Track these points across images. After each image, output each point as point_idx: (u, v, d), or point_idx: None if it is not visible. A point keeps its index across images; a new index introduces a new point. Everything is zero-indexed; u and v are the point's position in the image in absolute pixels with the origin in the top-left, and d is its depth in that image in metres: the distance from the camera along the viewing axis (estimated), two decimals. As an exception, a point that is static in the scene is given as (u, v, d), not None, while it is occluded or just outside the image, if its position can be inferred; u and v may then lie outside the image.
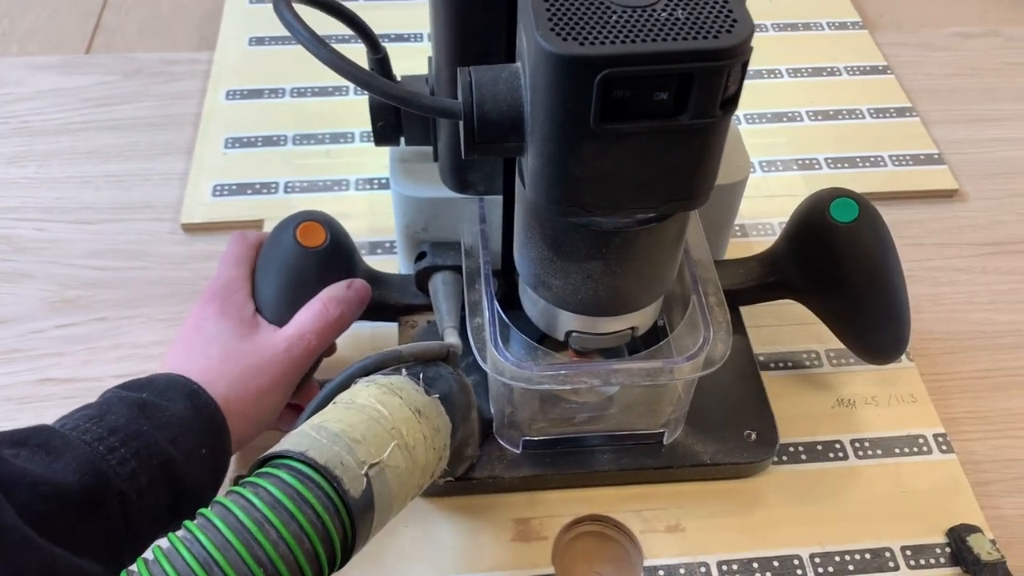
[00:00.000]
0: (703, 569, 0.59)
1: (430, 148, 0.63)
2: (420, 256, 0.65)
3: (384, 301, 0.67)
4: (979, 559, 0.58)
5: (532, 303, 0.55)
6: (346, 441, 0.45)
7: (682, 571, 0.59)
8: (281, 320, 0.58)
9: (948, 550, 0.60)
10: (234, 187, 0.82)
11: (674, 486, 0.63)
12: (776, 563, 0.59)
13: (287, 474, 0.43)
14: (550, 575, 0.59)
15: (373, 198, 0.82)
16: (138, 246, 0.78)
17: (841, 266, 0.62)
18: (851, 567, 0.59)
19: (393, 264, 0.74)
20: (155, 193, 0.83)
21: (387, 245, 0.78)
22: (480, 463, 0.62)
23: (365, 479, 0.44)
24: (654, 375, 0.55)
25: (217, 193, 0.82)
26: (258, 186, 0.83)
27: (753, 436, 0.63)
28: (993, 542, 0.60)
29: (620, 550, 0.62)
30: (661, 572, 0.59)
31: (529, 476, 0.61)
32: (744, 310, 0.71)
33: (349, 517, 0.43)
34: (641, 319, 0.55)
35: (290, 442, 0.45)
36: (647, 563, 0.59)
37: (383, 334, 0.70)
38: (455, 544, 0.60)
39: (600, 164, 0.39)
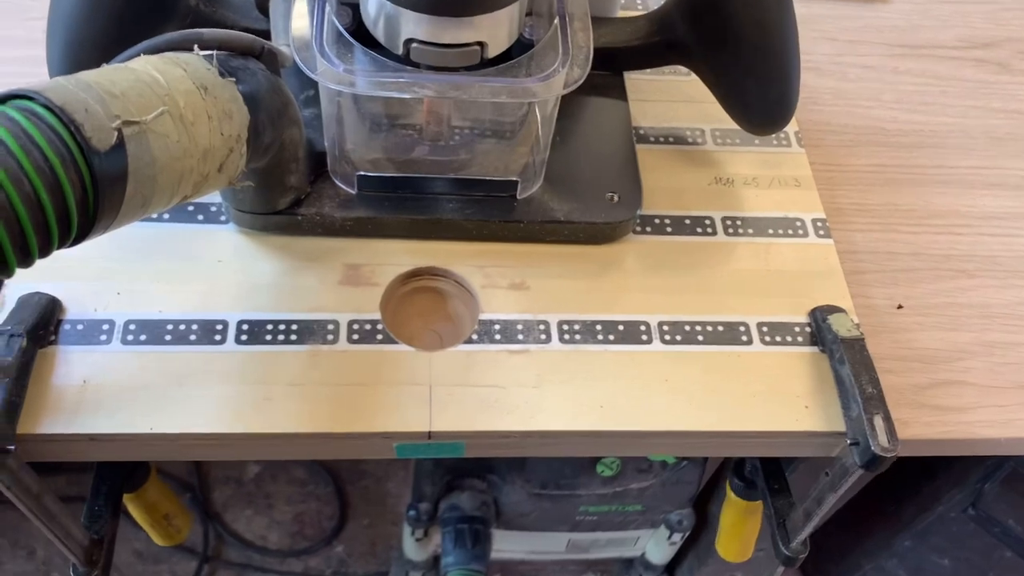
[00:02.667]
0: (542, 327, 0.54)
1: None
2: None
3: (221, 24, 0.59)
4: (837, 336, 0.54)
5: (371, 7, 0.48)
6: (99, 92, 0.38)
7: (519, 327, 0.54)
8: None
9: (808, 330, 0.56)
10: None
11: (524, 246, 0.58)
12: (621, 327, 0.55)
13: (16, 111, 0.36)
14: (376, 320, 0.53)
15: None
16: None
17: (732, 18, 0.55)
18: (700, 337, 0.55)
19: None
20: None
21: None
22: (309, 199, 0.55)
23: (116, 134, 0.37)
24: (498, 92, 0.49)
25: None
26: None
27: (615, 198, 0.58)
28: (857, 325, 0.56)
29: (458, 307, 0.57)
30: (497, 326, 0.54)
31: (363, 218, 0.55)
32: (631, 84, 0.65)
33: (91, 174, 0.37)
34: (490, 32, 0.48)
35: (32, 85, 0.37)
36: (483, 316, 0.54)
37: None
38: (275, 283, 0.54)
39: None
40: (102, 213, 0.38)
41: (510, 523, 0.99)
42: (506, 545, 1.03)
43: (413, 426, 0.50)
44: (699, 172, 0.63)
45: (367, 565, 1.31)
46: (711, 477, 0.93)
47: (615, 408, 0.51)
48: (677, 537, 1.01)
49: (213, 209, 0.57)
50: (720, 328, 0.55)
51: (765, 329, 0.56)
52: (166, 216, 0.57)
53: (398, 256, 0.56)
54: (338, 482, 1.33)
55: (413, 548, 1.00)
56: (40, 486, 0.49)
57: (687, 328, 0.55)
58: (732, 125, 0.61)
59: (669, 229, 0.60)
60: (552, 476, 0.90)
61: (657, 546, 1.04)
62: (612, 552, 1.08)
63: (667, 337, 0.55)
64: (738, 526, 0.75)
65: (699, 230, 0.60)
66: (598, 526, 1.00)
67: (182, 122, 0.40)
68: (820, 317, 0.56)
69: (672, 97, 0.67)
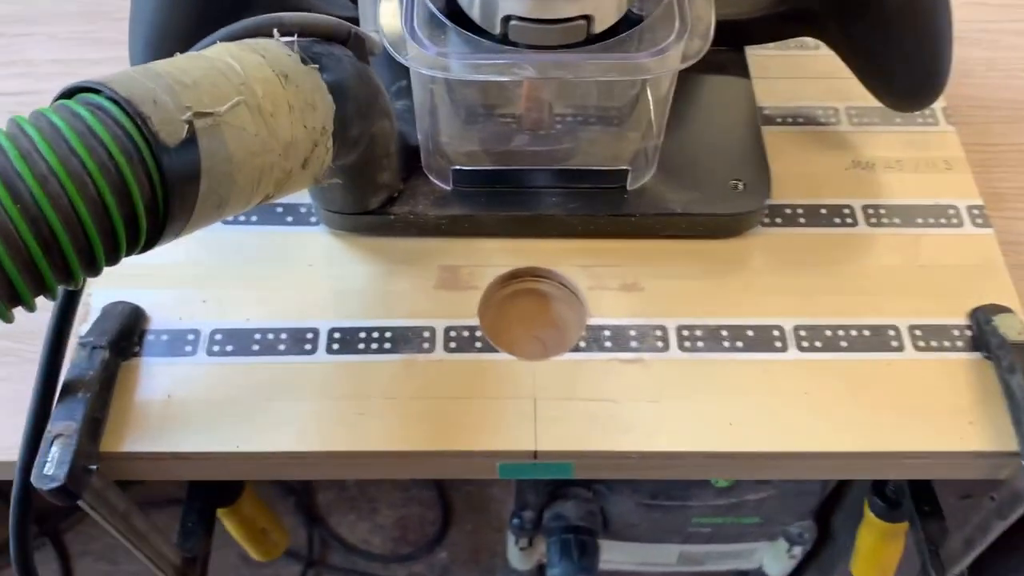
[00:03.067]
0: (658, 333, 0.48)
1: None
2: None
3: (305, 9, 0.55)
4: (1004, 340, 0.46)
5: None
6: (169, 81, 0.34)
7: (632, 333, 0.48)
8: None
9: (969, 333, 0.48)
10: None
11: (636, 242, 0.52)
12: (750, 333, 0.48)
13: (80, 106, 0.33)
14: (474, 327, 0.49)
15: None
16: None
17: (872, -20, 0.48)
18: (843, 343, 0.48)
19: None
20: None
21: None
22: (402, 198, 0.51)
23: (187, 127, 0.34)
24: (607, 69, 0.43)
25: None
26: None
27: (740, 186, 0.51)
28: (1027, 327, 0.48)
29: (564, 311, 0.52)
30: (607, 332, 0.48)
31: (459, 216, 0.51)
32: (753, 59, 0.58)
33: (160, 172, 0.33)
34: (596, 4, 0.43)
35: (98, 77, 0.34)
36: (591, 321, 0.49)
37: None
38: (367, 287, 0.50)
39: None
40: (174, 215, 0.34)
41: (618, 533, 0.94)
42: (614, 556, 0.98)
43: (517, 444, 0.45)
44: (834, 156, 0.56)
45: (470, 572, 1.28)
46: (835, 487, 0.85)
47: (746, 426, 0.45)
48: (797, 550, 0.93)
49: (303, 210, 0.54)
50: (866, 333, 0.48)
51: (918, 333, 0.48)
52: (254, 218, 0.53)
53: (497, 256, 0.52)
54: (441, 486, 1.30)
55: (517, 557, 0.96)
56: (127, 504, 0.46)
57: (827, 333, 0.48)
58: (870, 102, 0.54)
59: (802, 220, 0.53)
60: (663, 486, 0.84)
61: (776, 559, 0.97)
62: (727, 565, 1.02)
63: (804, 344, 0.48)
64: (878, 551, 0.67)
65: (837, 220, 0.53)
66: (712, 538, 0.93)
67: (260, 113, 0.36)
68: (983, 319, 0.48)
69: (799, 73, 0.60)
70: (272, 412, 0.46)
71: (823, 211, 0.53)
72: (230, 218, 0.53)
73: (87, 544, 1.19)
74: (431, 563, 1.30)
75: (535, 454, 0.45)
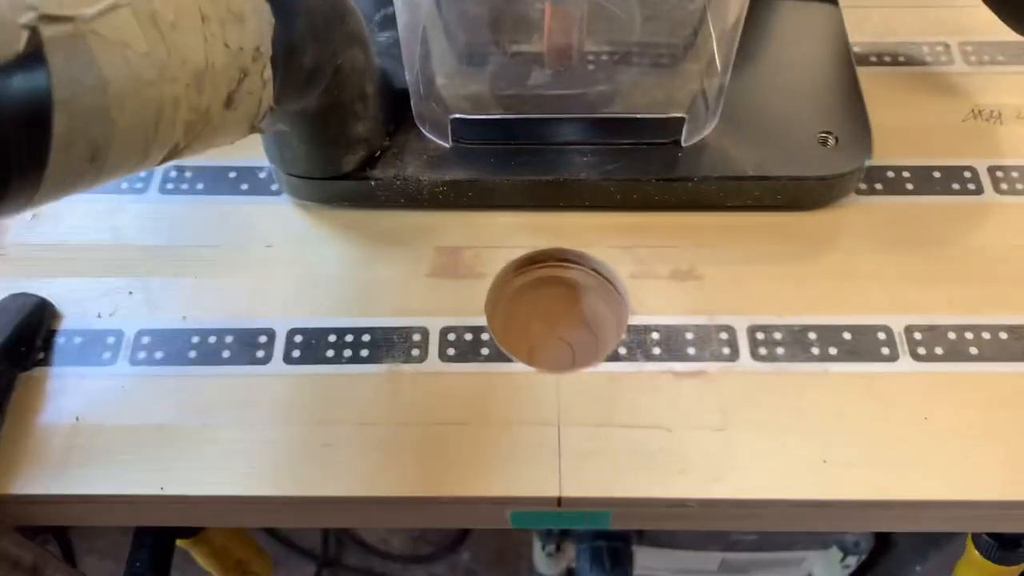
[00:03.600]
0: (724, 336, 0.36)
1: None
2: None
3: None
4: None
5: None
6: None
7: (690, 336, 0.36)
8: None
9: None
10: None
11: (693, 215, 0.40)
12: (847, 336, 0.36)
13: None
14: (480, 327, 0.37)
15: None
16: None
17: None
18: (973, 350, 0.36)
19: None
20: None
21: None
22: (386, 158, 0.39)
23: (27, 36, 0.22)
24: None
25: None
26: None
27: (831, 141, 0.39)
28: None
29: (598, 306, 0.40)
30: (655, 335, 0.37)
31: (461, 182, 0.39)
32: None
33: None
34: None
35: None
36: (633, 320, 0.37)
37: None
38: (341, 275, 0.39)
39: None
40: (13, 169, 0.23)
41: (654, 540, 0.83)
42: (650, 562, 0.88)
43: (535, 488, 0.33)
44: (947, 104, 0.43)
45: (494, 575, 1.18)
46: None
47: (846, 465, 0.33)
48: (852, 560, 0.82)
49: (261, 175, 0.42)
50: (1003, 336, 0.36)
51: (1074, 336, 0.36)
52: (199, 185, 0.42)
53: (511, 234, 0.40)
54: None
55: (544, 562, 0.85)
56: (37, 556, 0.35)
57: (950, 336, 0.36)
58: (990, 36, 0.42)
59: (909, 186, 0.41)
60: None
61: (827, 570, 0.86)
62: (773, 574, 0.91)
63: (920, 351, 0.36)
64: (979, 594, 0.55)
65: (955, 186, 0.40)
66: (758, 545, 0.82)
67: (155, 24, 0.25)
68: None
69: (898, 2, 0.47)
70: (212, 442, 0.35)
71: (936, 174, 0.41)
72: (138, 177, 0.42)
73: (93, 541, 1.11)
74: (452, 564, 1.19)
75: (559, 500, 0.33)
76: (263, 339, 0.37)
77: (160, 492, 0.34)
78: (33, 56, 0.22)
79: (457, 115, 0.38)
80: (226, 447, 0.34)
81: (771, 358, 0.36)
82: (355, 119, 0.36)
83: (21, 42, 0.22)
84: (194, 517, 0.37)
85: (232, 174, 0.42)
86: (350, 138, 0.37)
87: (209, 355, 0.37)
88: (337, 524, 0.39)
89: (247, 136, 0.30)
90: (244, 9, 0.27)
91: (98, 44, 0.23)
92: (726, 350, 0.36)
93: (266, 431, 0.35)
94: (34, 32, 0.22)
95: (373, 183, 0.39)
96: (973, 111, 0.43)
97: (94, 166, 0.25)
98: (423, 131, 0.40)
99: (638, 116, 0.39)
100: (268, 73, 0.29)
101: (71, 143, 0.23)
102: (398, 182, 0.39)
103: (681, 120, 0.38)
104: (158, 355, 0.37)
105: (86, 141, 0.24)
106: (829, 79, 0.41)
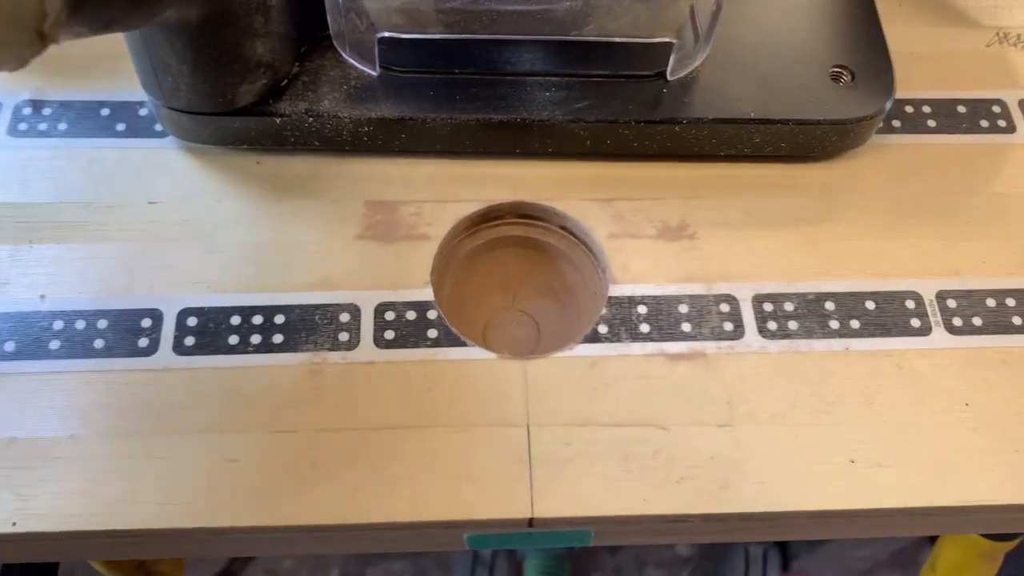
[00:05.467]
0: (725, 308, 0.30)
1: None
2: None
3: None
4: None
5: None
6: None
7: (683, 309, 0.30)
8: None
9: None
10: None
11: (683, 166, 0.33)
12: (870, 304, 0.30)
13: None
14: (426, 303, 0.30)
15: None
16: None
17: None
18: (1017, 319, 0.30)
19: None
20: None
21: None
22: (295, 87, 0.31)
23: None
24: None
25: None
26: None
27: (846, 77, 0.32)
28: None
29: (570, 273, 0.33)
30: (641, 308, 0.30)
31: (392, 121, 0.31)
32: None
33: None
34: None
35: None
36: (616, 291, 0.30)
37: None
38: (248, 238, 0.31)
39: None
40: None
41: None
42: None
43: (501, 509, 0.26)
44: (969, 25, 0.37)
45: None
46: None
47: (876, 464, 0.27)
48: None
49: (143, 112, 0.33)
50: (1050, 301, 0.30)
51: None
52: (61, 125, 0.33)
53: (459, 186, 0.32)
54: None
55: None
56: None
57: (990, 303, 0.30)
58: (1016, -56, 0.35)
59: (931, 123, 0.34)
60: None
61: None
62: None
63: (956, 321, 0.30)
64: (966, 569, 0.51)
65: (983, 123, 0.34)
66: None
67: None
68: None
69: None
70: (80, 460, 0.27)
71: (961, 109, 0.35)
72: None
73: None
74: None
75: (531, 522, 0.26)
76: (147, 323, 0.29)
77: (11, 529, 0.26)
78: None
79: (387, 33, 0.30)
80: (99, 465, 0.27)
81: (782, 334, 0.29)
82: (252, 36, 0.28)
83: None
84: (61, 554, 0.29)
85: (104, 111, 0.33)
86: (246, 61, 0.29)
87: (77, 345, 0.28)
88: (248, 554, 0.32)
89: (29, 54, 0.21)
90: None
91: None
92: (728, 326, 0.29)
93: (153, 443, 0.27)
94: None
95: (279, 120, 0.31)
96: (999, 34, 0.37)
97: None
98: (343, 54, 0.31)
99: (615, 40, 0.31)
100: None
101: None
102: (311, 119, 0.30)
103: (668, 46, 0.31)
104: (8, 347, 0.28)
105: None
106: (839, 7, 0.34)
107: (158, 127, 0.33)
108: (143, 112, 0.33)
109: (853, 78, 0.32)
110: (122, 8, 0.22)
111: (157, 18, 0.23)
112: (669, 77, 0.32)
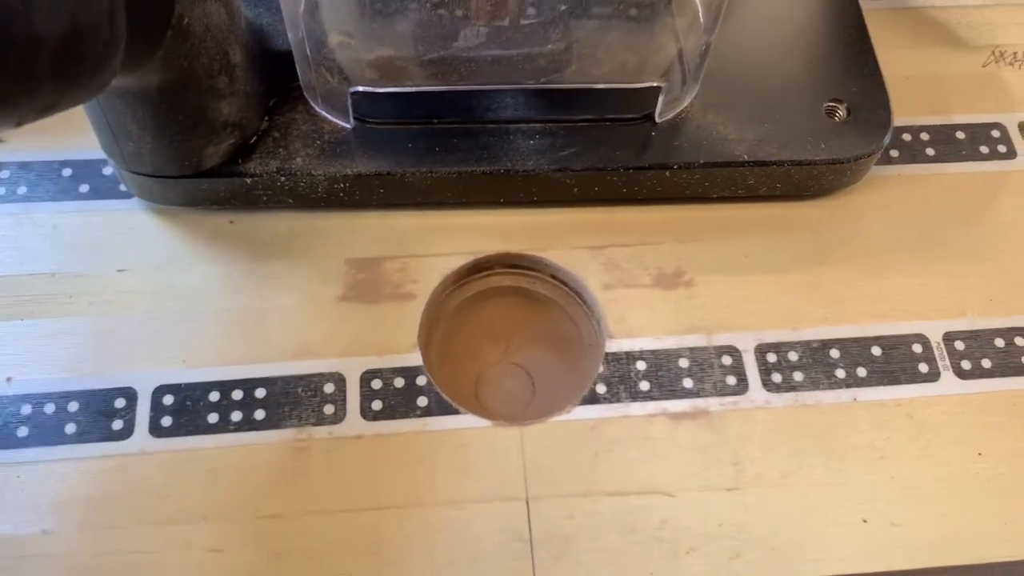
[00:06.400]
0: (727, 360, 0.29)
1: None
2: None
3: None
4: None
5: None
6: None
7: (683, 363, 0.28)
8: None
9: None
10: None
11: (674, 208, 0.31)
12: (877, 349, 0.29)
13: None
14: (414, 368, 0.28)
15: None
16: None
17: None
18: (1028, 359, 0.29)
19: None
20: None
21: None
22: (265, 144, 0.29)
23: None
24: None
25: None
26: None
27: (841, 112, 0.31)
28: None
29: (560, 320, 0.31)
30: (641, 364, 0.28)
31: (368, 176, 0.29)
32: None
33: None
34: None
35: None
36: (613, 346, 0.29)
37: None
38: (224, 305, 0.29)
39: None
40: None
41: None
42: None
43: (502, 590, 0.25)
44: (963, 45, 0.36)
45: None
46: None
47: (889, 523, 0.26)
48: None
49: (108, 171, 0.32)
50: (1060, 339, 0.29)
51: None
52: (21, 189, 0.31)
53: (444, 237, 0.31)
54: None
55: None
56: None
57: (998, 343, 0.29)
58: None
59: (930, 151, 0.33)
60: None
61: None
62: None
63: (964, 364, 0.29)
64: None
65: (983, 150, 0.33)
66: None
67: None
68: None
69: (889, -83, 0.39)
70: (52, 560, 0.25)
71: (960, 135, 0.33)
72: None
73: None
74: None
75: (534, 602, 0.25)
76: (120, 403, 0.27)
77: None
78: None
79: (359, 88, 0.29)
80: (75, 562, 0.25)
81: (787, 387, 0.28)
82: (217, 97, 0.26)
83: None
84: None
85: (66, 171, 0.32)
86: (212, 123, 0.27)
87: (47, 432, 0.27)
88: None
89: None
90: None
91: None
92: (731, 379, 0.28)
93: (130, 536, 0.25)
94: None
95: (249, 180, 0.29)
96: (994, 53, 0.35)
97: None
98: (315, 107, 0.30)
99: (600, 87, 0.30)
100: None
101: None
102: (283, 178, 0.29)
103: (656, 90, 0.29)
104: (-29, 437, 0.27)
105: None
106: (833, 31, 0.33)
107: (123, 187, 0.31)
108: (108, 171, 0.32)
109: (849, 113, 0.31)
110: (52, 95, 0.20)
111: (105, 91, 0.21)
112: (657, 120, 0.30)
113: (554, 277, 0.31)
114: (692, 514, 0.26)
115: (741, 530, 0.26)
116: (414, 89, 0.29)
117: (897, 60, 0.34)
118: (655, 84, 0.29)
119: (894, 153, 0.33)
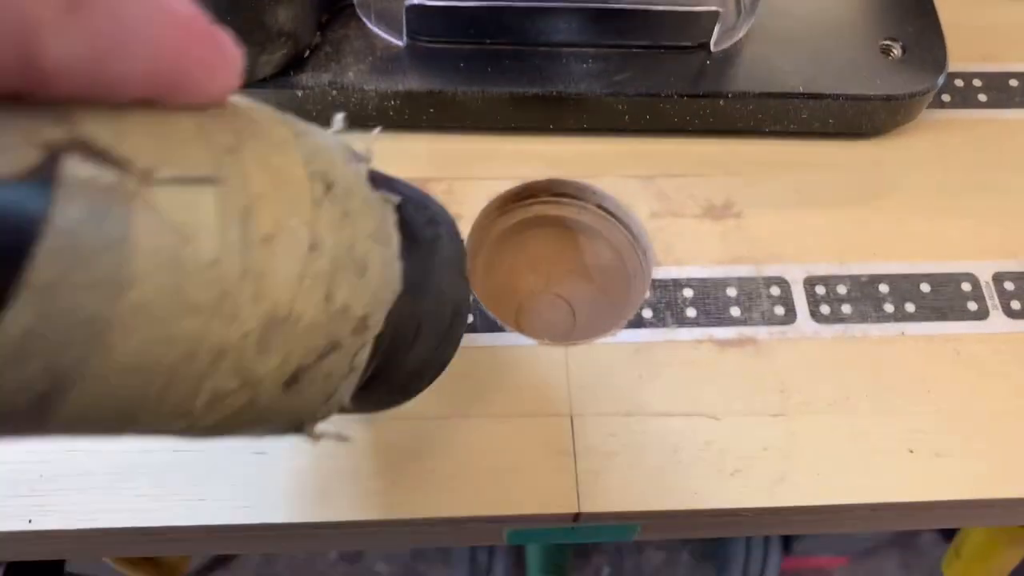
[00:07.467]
0: (776, 291, 0.28)
1: None
2: None
3: None
4: None
5: None
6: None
7: (731, 292, 0.28)
8: None
9: None
10: None
11: (727, 141, 0.31)
12: (924, 287, 0.29)
13: None
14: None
15: None
16: None
17: None
18: (1078, 302, 0.29)
19: None
20: None
21: None
22: (318, 58, 0.29)
23: (37, 157, 0.11)
24: None
25: None
26: None
27: (897, 50, 0.31)
28: None
29: (609, 256, 0.31)
30: (687, 292, 0.28)
31: (420, 94, 0.29)
32: None
33: None
34: None
35: None
36: (660, 273, 0.29)
37: None
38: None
39: None
40: None
41: None
42: None
43: (545, 504, 0.25)
44: (1016, -5, 0.36)
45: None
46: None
47: (935, 454, 0.26)
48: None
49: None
50: (1111, 283, 0.29)
51: None
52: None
53: (491, 162, 0.31)
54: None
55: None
56: None
57: (1050, 285, 0.29)
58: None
59: (982, 97, 0.33)
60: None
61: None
62: None
63: (1014, 304, 0.29)
64: (992, 554, 0.50)
65: (1038, 99, 0.33)
66: None
67: (242, 225, 0.14)
68: None
69: None
70: (96, 451, 0.25)
71: (1012, 83, 0.33)
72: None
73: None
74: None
75: (576, 516, 0.25)
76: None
77: (28, 528, 0.24)
78: (31, 194, 0.11)
79: (415, 1, 0.28)
80: (108, 464, 0.25)
81: (836, 318, 0.28)
82: (273, 2, 0.26)
83: (23, 165, 0.11)
84: (82, 552, 0.27)
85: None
86: (267, 29, 0.27)
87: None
88: (278, 551, 0.31)
89: (281, 438, 0.18)
90: (369, 258, 0.16)
91: (144, 221, 0.12)
92: (780, 309, 0.28)
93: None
94: (53, 159, 0.11)
95: (300, 93, 0.29)
96: (1048, 4, 0.35)
97: (33, 412, 0.13)
98: (367, 23, 0.30)
99: (657, 8, 0.30)
100: (363, 357, 0.17)
101: (21, 358, 0.12)
102: (334, 92, 0.29)
103: (714, 15, 0.29)
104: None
105: (45, 364, 0.12)
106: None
107: (171, 101, 0.31)
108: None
109: (904, 52, 0.31)
110: None
111: None
112: (712, 49, 0.30)
113: (600, 207, 0.31)
114: (737, 437, 0.26)
115: (787, 455, 0.26)
116: (470, 3, 0.29)
117: (954, 8, 0.34)
118: (713, 9, 0.29)
119: (946, 98, 0.33)
